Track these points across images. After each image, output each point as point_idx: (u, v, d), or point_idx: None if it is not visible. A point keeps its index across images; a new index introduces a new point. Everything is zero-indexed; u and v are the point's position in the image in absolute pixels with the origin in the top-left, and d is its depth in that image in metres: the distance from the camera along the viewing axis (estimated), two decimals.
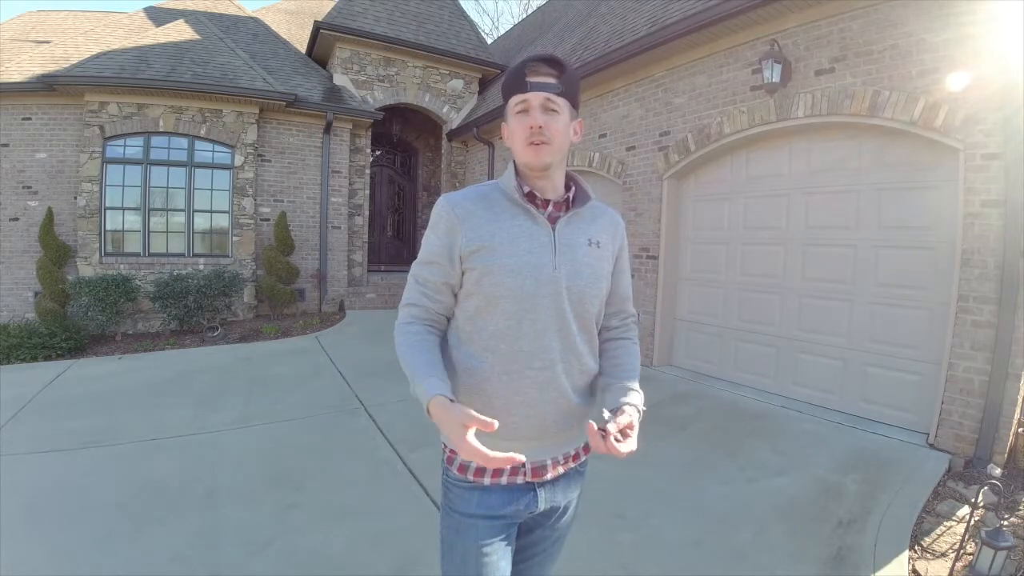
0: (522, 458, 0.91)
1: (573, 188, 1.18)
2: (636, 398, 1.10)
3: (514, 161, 1.15)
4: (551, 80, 1.07)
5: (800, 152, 4.18)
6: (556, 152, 1.09)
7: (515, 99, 1.09)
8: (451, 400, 0.95)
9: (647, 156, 5.35)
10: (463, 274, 1.10)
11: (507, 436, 1.06)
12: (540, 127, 1.05)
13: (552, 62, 1.08)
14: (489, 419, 0.90)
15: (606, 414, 1.03)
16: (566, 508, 1.22)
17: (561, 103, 1.08)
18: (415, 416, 3.94)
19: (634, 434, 1.01)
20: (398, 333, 1.13)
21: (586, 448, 1.22)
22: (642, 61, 5.19)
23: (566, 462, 1.18)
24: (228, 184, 7.63)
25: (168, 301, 6.62)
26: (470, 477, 1.11)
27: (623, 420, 1.01)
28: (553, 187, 1.14)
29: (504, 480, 1.11)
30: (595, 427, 0.97)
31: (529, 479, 1.13)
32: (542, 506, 1.15)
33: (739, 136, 4.42)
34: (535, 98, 1.07)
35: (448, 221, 1.10)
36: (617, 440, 0.96)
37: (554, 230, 1.11)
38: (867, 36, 3.52)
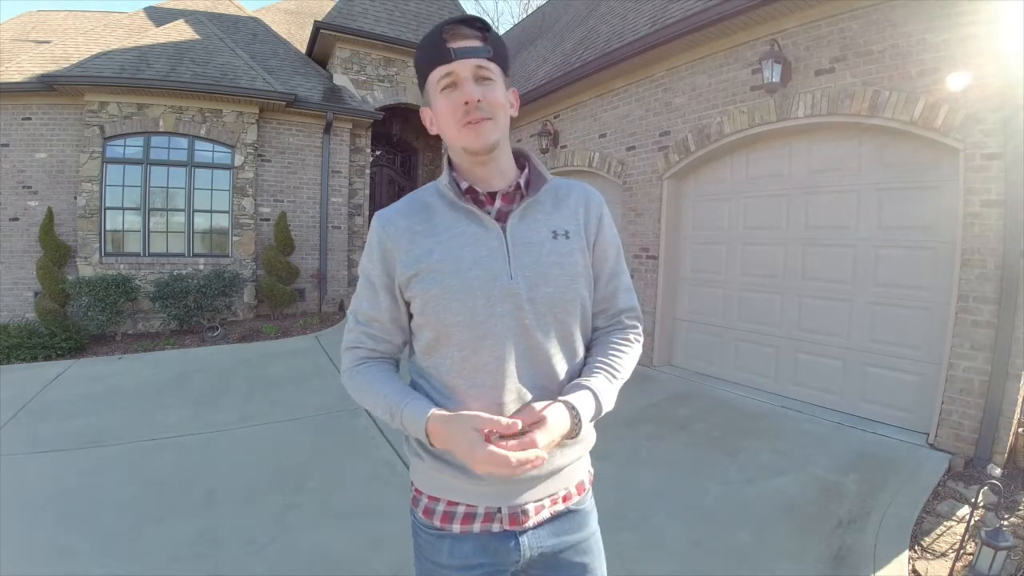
0: (544, 455, 0.78)
1: (527, 171, 0.98)
2: (579, 397, 0.88)
3: (447, 156, 0.97)
4: (478, 43, 0.87)
5: (800, 152, 4.18)
6: (499, 128, 0.90)
7: (438, 72, 0.88)
8: (448, 412, 0.84)
9: (647, 156, 5.35)
10: (408, 304, 0.94)
11: (479, 480, 0.89)
12: (478, 100, 0.86)
13: (473, 22, 0.89)
14: (505, 419, 0.80)
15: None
16: (577, 550, 1.00)
17: (494, 69, 0.89)
18: None
19: (543, 433, 0.80)
20: (347, 380, 0.97)
21: (580, 487, 1.02)
22: (642, 61, 5.19)
23: (554, 504, 0.98)
24: (228, 184, 7.64)
25: (168, 301, 6.62)
26: (436, 523, 0.94)
27: (528, 415, 0.82)
28: (500, 173, 0.95)
29: (476, 528, 0.93)
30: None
31: (507, 527, 0.93)
32: (528, 554, 0.96)
33: (739, 136, 4.42)
34: (463, 67, 0.86)
35: (381, 244, 0.93)
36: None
37: (505, 229, 0.91)
38: (867, 36, 3.52)
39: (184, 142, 7.40)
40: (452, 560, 0.94)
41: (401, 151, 11.76)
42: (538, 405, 0.86)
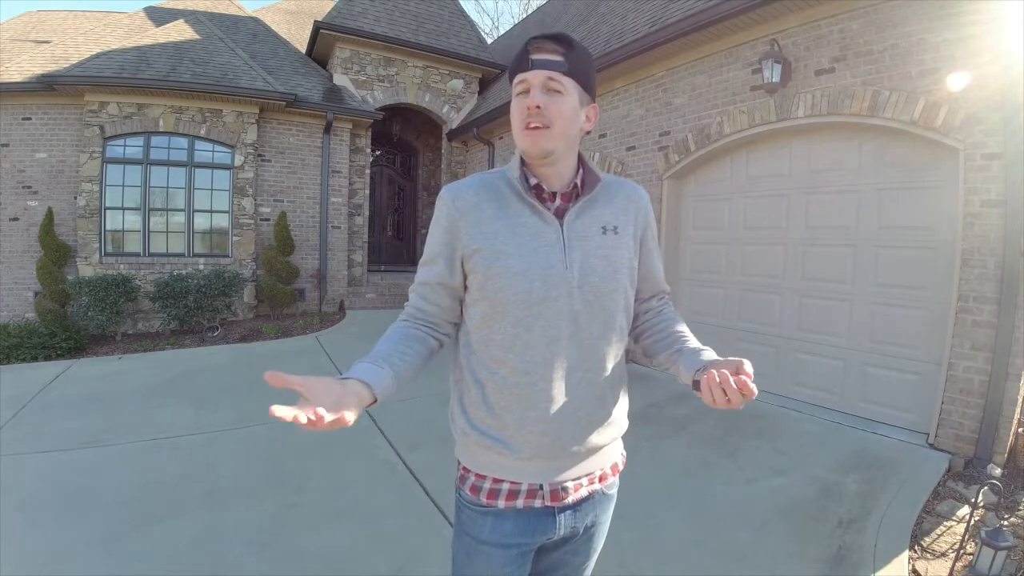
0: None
1: (581, 171, 1.06)
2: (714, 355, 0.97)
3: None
4: (556, 57, 0.95)
5: (800, 152, 4.18)
6: (557, 138, 0.96)
7: (516, 79, 0.98)
8: (345, 379, 0.87)
9: (647, 156, 5.35)
10: (467, 276, 1.01)
11: (522, 456, 0.98)
12: (538, 107, 0.93)
13: (559, 39, 0.96)
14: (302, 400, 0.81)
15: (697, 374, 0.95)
16: (591, 533, 1.10)
17: (567, 83, 0.96)
18: (415, 416, 3.94)
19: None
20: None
21: (614, 468, 1.10)
22: (642, 61, 5.19)
23: (591, 483, 1.05)
24: (228, 184, 7.63)
25: (168, 301, 6.62)
26: (483, 500, 1.01)
27: (746, 367, 0.85)
28: (560, 177, 1.02)
29: (520, 503, 1.00)
30: (715, 377, 0.84)
31: (548, 503, 1.01)
32: (561, 532, 1.04)
33: (739, 136, 4.42)
34: (536, 76, 0.95)
35: (449, 216, 1.00)
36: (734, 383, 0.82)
37: (562, 225, 1.00)
38: (867, 36, 3.52)
39: (184, 142, 7.39)
40: (492, 536, 1.01)
41: (401, 151, 11.76)
42: (731, 363, 0.88)
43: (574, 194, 1.04)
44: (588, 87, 1.00)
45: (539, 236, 0.98)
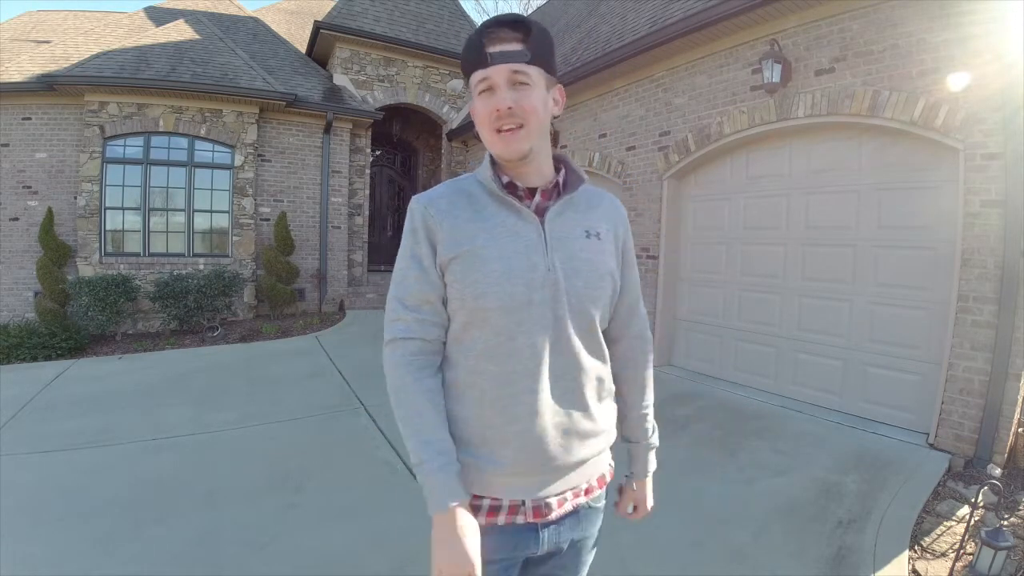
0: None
1: (563, 171, 1.01)
2: (652, 458, 1.17)
3: (490, 152, 0.99)
4: (516, 47, 0.88)
5: (800, 152, 4.18)
6: (533, 135, 0.91)
7: (475, 77, 0.90)
8: (469, 514, 0.87)
9: (647, 156, 5.35)
10: (445, 287, 0.95)
11: (504, 472, 0.92)
12: (509, 108, 0.88)
13: (514, 24, 0.89)
14: None
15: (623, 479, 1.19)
16: (578, 548, 1.05)
17: (533, 73, 0.89)
18: None
19: (647, 492, 1.18)
20: (399, 373, 0.94)
21: (601, 480, 1.05)
22: (642, 61, 5.19)
23: (576, 496, 1.00)
24: (228, 184, 7.64)
25: (168, 301, 6.62)
26: None
27: (638, 494, 1.16)
28: (538, 172, 0.97)
29: (501, 520, 0.95)
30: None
31: (530, 519, 0.96)
32: (545, 547, 0.99)
33: (739, 136, 4.42)
34: (498, 73, 0.88)
35: (425, 226, 0.94)
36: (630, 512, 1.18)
37: (543, 223, 0.94)
38: (867, 36, 3.52)
39: (184, 142, 7.39)
40: None
41: (401, 151, 11.76)
42: (637, 499, 1.18)
43: (555, 192, 0.99)
44: (551, 69, 0.94)
45: (519, 235, 0.93)
